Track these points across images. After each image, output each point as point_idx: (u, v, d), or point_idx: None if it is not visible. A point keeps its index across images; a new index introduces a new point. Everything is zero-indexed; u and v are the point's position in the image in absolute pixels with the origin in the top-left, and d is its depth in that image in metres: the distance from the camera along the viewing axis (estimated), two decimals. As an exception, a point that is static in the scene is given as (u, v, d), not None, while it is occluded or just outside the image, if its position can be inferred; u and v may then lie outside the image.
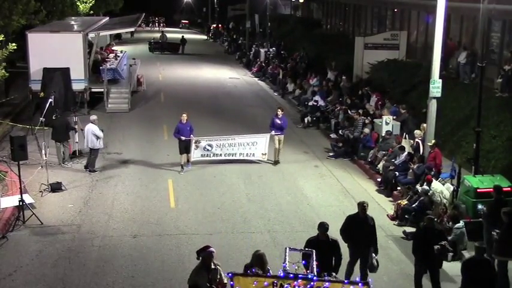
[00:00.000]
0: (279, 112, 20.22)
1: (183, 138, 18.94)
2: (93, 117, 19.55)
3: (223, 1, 72.64)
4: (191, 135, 19.17)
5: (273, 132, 19.97)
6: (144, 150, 21.56)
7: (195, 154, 19.55)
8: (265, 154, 20.19)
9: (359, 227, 11.91)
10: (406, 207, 15.63)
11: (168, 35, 55.26)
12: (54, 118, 19.59)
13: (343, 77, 29.06)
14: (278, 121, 20.09)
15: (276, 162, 20.14)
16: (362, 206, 11.96)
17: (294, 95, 30.99)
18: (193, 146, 19.36)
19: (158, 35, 55.64)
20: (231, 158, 20.00)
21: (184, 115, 19.33)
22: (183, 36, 53.34)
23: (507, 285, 11.96)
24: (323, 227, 11.19)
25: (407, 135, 19.95)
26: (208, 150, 19.76)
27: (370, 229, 11.96)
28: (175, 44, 51.95)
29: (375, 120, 21.94)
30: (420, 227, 12.56)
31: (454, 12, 24.97)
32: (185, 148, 19.16)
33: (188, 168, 19.24)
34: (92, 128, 18.92)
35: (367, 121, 21.78)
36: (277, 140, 19.99)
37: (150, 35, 67.00)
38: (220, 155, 19.94)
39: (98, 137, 18.88)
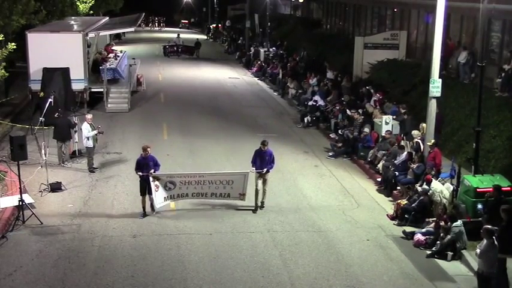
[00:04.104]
0: (263, 146, 16.17)
1: (140, 174, 15.49)
2: (87, 116, 19.64)
3: (223, 1, 72.62)
4: (150, 172, 15.39)
5: (253, 169, 16.08)
6: (143, 150, 21.54)
7: (158, 198, 15.60)
8: (244, 195, 16.13)
9: None
10: (405, 207, 15.64)
11: (170, 35, 53.87)
12: (56, 116, 19.61)
13: (346, 77, 29.06)
14: (262, 156, 16.16)
15: (258, 207, 16.19)
16: None
17: (293, 95, 31.00)
18: (153, 186, 15.43)
19: (158, 34, 55.12)
20: (201, 198, 16.21)
21: (146, 147, 15.75)
22: (197, 39, 52.33)
23: (505, 283, 11.98)
24: None
25: (404, 136, 19.95)
26: (170, 189, 15.75)
27: None
28: (191, 47, 49.24)
29: (374, 120, 21.96)
30: None
31: (453, 12, 24.97)
32: (147, 186, 15.54)
33: (152, 215, 15.68)
34: (83, 127, 19.04)
35: (361, 120, 21.84)
36: (260, 180, 16.12)
37: (149, 35, 67.21)
38: (187, 194, 16.00)
39: (86, 136, 18.91)
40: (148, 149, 15.63)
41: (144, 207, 15.65)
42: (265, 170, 16.00)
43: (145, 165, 15.50)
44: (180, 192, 15.92)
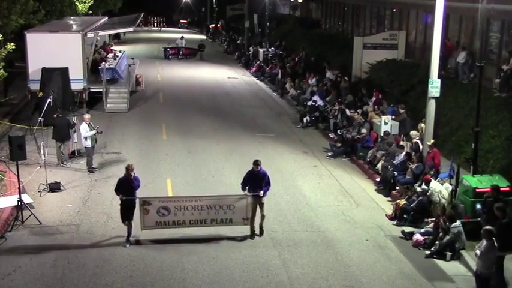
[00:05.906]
0: (256, 166, 14.64)
1: (123, 198, 13.95)
2: (85, 116, 19.64)
3: (222, 1, 72.63)
4: (136, 193, 14.16)
5: (245, 193, 14.62)
6: (143, 150, 21.54)
7: (148, 221, 14.18)
8: (248, 219, 14.61)
9: None
10: (404, 207, 15.64)
11: (169, 35, 53.18)
12: (55, 117, 19.61)
13: (343, 78, 29.06)
14: (255, 178, 14.61)
15: (254, 233, 14.64)
16: None
17: (292, 95, 31.03)
18: (141, 210, 14.10)
19: (157, 34, 54.79)
20: (200, 226, 14.54)
21: (131, 168, 14.16)
22: (201, 40, 52.05)
23: (502, 280, 12.01)
24: None
25: (404, 137, 19.95)
26: (164, 215, 14.19)
27: None
28: (193, 49, 47.53)
29: (373, 120, 21.95)
30: None
31: (452, 12, 24.97)
32: (130, 211, 14.03)
33: (126, 246, 13.90)
34: (81, 127, 19.06)
35: (362, 121, 21.87)
36: (255, 205, 14.58)
37: (148, 35, 67.17)
38: (184, 222, 14.38)
39: (84, 136, 18.92)
40: (133, 169, 14.12)
41: (128, 234, 14.09)
42: (261, 192, 14.49)
43: (128, 187, 13.99)
44: (176, 219, 14.34)
